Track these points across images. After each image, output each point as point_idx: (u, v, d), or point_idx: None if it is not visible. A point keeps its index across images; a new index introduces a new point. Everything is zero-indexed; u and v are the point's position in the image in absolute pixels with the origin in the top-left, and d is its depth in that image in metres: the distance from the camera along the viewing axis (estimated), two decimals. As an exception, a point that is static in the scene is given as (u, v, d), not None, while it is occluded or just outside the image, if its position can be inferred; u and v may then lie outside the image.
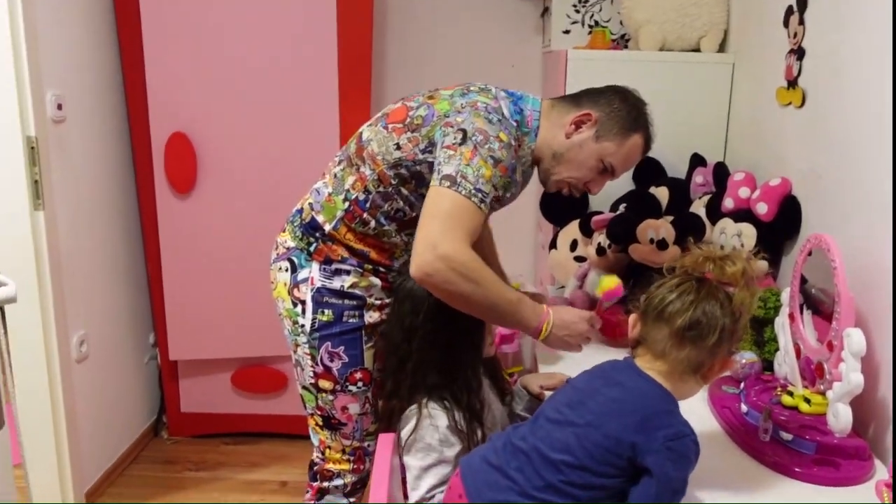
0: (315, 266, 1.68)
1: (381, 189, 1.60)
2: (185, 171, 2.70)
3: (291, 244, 1.72)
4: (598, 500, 1.17)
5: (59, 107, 2.38)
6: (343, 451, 1.77)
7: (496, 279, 1.47)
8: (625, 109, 1.63)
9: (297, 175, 2.68)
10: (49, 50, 2.31)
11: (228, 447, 3.00)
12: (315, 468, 1.81)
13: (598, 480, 1.16)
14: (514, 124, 1.57)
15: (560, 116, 1.64)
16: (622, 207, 2.29)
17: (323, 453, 1.79)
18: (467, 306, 1.47)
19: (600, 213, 2.31)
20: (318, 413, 1.75)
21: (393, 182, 1.59)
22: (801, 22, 1.91)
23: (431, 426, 1.47)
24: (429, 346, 1.51)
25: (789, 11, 1.98)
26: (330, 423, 1.75)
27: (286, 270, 1.72)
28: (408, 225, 1.63)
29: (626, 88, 1.68)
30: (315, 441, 1.80)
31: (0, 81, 2.17)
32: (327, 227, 1.66)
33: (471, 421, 1.50)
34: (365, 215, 1.63)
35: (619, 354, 1.37)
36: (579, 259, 2.36)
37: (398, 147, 1.57)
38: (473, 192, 1.44)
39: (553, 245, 2.48)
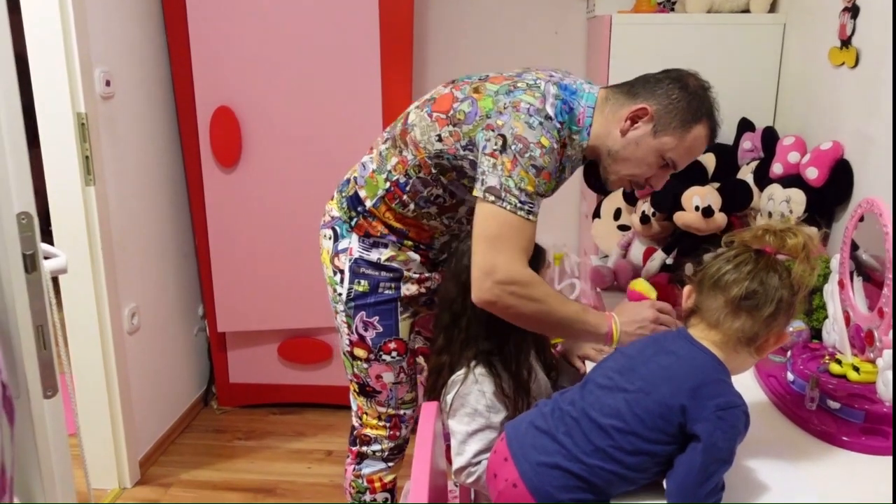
0: (355, 237, 1.71)
1: (421, 175, 1.60)
2: (231, 144, 2.74)
3: (336, 213, 1.76)
4: (646, 466, 1.17)
5: (108, 83, 2.43)
6: (379, 418, 1.81)
7: (557, 295, 1.48)
8: (685, 100, 1.51)
9: (340, 148, 2.72)
10: (97, 27, 2.35)
11: (275, 417, 3.07)
12: (354, 433, 1.86)
13: (648, 446, 1.16)
14: (559, 125, 1.48)
15: (614, 111, 1.54)
16: (667, 175, 2.24)
17: (360, 419, 1.84)
18: (533, 325, 1.48)
19: (644, 181, 2.27)
20: (355, 380, 1.79)
21: (433, 171, 1.59)
22: (855, -22, 1.83)
23: (479, 391, 1.47)
24: None
25: (843, -33, 1.90)
26: (365, 391, 1.79)
27: (329, 238, 1.76)
28: (447, 210, 1.64)
29: (686, 73, 1.56)
30: (354, 406, 1.84)
31: (50, 59, 2.22)
32: (368, 204, 1.68)
33: (517, 389, 1.50)
34: (405, 197, 1.64)
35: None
36: (623, 228, 2.33)
37: (440, 139, 1.55)
38: (519, 205, 1.43)
39: (596, 214, 2.46)
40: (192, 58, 2.67)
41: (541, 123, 1.46)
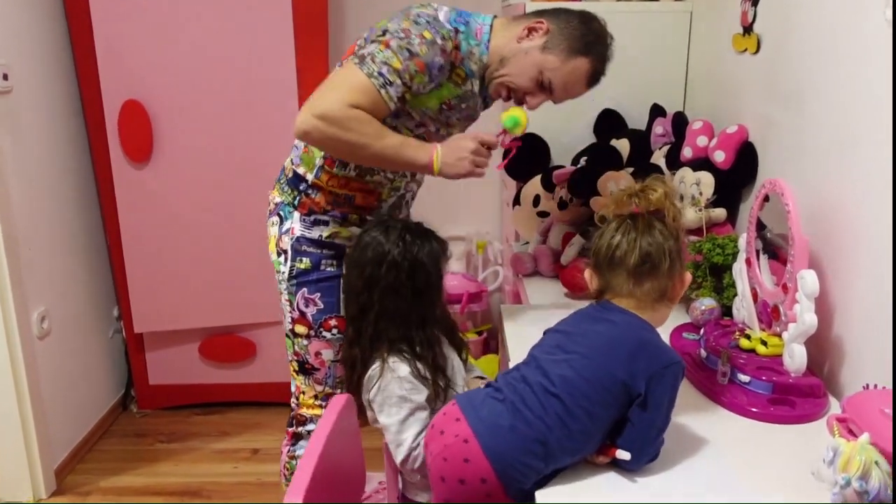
0: (297, 216, 1.74)
1: None
2: (141, 139, 2.64)
3: (279, 199, 1.78)
4: (591, 432, 1.21)
5: (5, 77, 2.31)
6: (315, 397, 1.84)
7: (380, 129, 1.54)
8: (580, 31, 1.60)
9: (254, 140, 2.67)
10: (-11, 18, 2.23)
11: (199, 417, 3.00)
12: (291, 414, 1.88)
13: (596, 410, 1.20)
14: (451, 29, 1.57)
15: (516, 26, 1.63)
16: (583, 161, 2.29)
17: (298, 399, 1.86)
18: (354, 156, 1.60)
19: (561, 167, 2.31)
20: (295, 358, 1.83)
21: None
22: (755, -34, 1.90)
23: (395, 379, 1.47)
24: (390, 298, 1.51)
25: (743, -44, 1.97)
26: (304, 368, 1.82)
27: (275, 225, 1.79)
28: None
29: (597, 16, 1.64)
30: (293, 387, 1.87)
31: (-61, 52, 2.10)
32: (310, 178, 1.71)
33: (434, 371, 1.50)
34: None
35: (584, 306, 1.39)
36: (542, 214, 2.36)
37: None
38: (376, 74, 1.50)
39: (517, 201, 2.48)
40: (97, 49, 2.57)
41: (427, 22, 1.55)
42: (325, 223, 1.73)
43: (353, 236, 1.70)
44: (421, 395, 1.47)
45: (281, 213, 1.76)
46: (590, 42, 1.60)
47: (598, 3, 2.49)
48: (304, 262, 1.74)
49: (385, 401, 1.48)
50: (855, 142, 1.44)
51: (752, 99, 1.95)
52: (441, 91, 1.62)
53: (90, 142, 2.74)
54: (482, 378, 1.71)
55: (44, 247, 2.53)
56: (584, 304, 1.39)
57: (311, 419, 1.84)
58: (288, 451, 1.89)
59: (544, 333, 1.41)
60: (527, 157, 2.43)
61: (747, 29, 1.96)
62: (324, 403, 1.82)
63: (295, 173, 1.74)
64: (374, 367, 1.50)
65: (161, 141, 2.66)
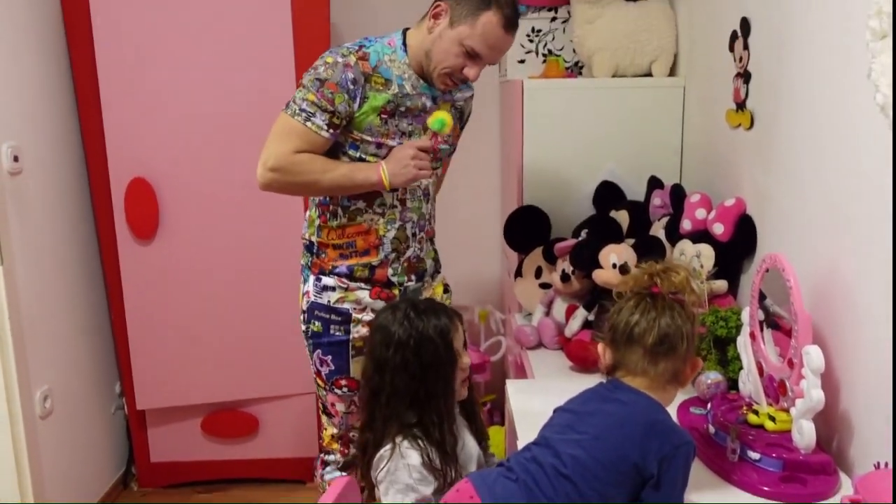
0: (311, 280, 1.93)
1: None
2: (147, 216, 2.68)
3: (301, 262, 2.00)
4: None
5: (16, 158, 2.36)
6: (332, 437, 2.05)
7: (325, 163, 1.77)
8: None
9: (258, 218, 2.71)
10: (4, 101, 2.29)
11: (201, 495, 2.95)
12: (320, 441, 2.13)
13: (608, 490, 1.21)
14: (351, 47, 1.79)
15: (423, 23, 1.81)
16: (584, 233, 2.31)
17: (321, 434, 2.12)
18: (313, 192, 1.86)
19: (563, 239, 2.34)
20: (320, 400, 2.05)
21: None
22: (746, 47, 1.96)
23: (406, 466, 1.47)
24: (400, 378, 1.52)
25: (734, 36, 2.03)
26: (326, 410, 2.05)
27: (301, 283, 1.99)
28: (370, 196, 1.85)
29: None
30: (324, 419, 2.09)
31: (-48, 137, 2.15)
32: (314, 238, 1.92)
33: (444, 458, 1.50)
34: (331, 208, 1.87)
35: (593, 380, 1.39)
36: (544, 286, 2.38)
37: None
38: (298, 111, 1.74)
39: (518, 273, 2.50)
40: (105, 129, 2.62)
41: (329, 52, 1.79)
42: (333, 288, 1.89)
43: (359, 300, 1.87)
44: (428, 487, 1.47)
45: (303, 275, 1.97)
46: None
47: (593, 79, 2.57)
48: (316, 326, 1.91)
49: (391, 485, 1.47)
50: (850, 215, 1.47)
51: (749, 172, 1.99)
52: (370, 102, 1.78)
53: (96, 219, 2.78)
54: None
55: (48, 325, 2.53)
56: (590, 377, 1.40)
57: (331, 452, 2.06)
58: (319, 474, 2.09)
59: (554, 412, 1.41)
60: (528, 228, 2.47)
61: (740, 105, 2.01)
62: (340, 442, 2.04)
63: (306, 239, 1.95)
64: (386, 449, 1.50)
65: (166, 218, 2.69)
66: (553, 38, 2.79)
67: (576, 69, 2.79)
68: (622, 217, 2.37)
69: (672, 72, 2.58)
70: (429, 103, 1.86)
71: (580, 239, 2.27)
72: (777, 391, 1.52)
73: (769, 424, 1.48)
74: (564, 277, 2.21)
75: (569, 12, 2.66)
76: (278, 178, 1.77)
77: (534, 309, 2.40)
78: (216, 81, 2.62)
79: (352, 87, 1.74)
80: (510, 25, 1.77)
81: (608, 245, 2.11)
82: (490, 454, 1.72)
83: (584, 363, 2.02)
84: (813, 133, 1.62)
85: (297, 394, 2.89)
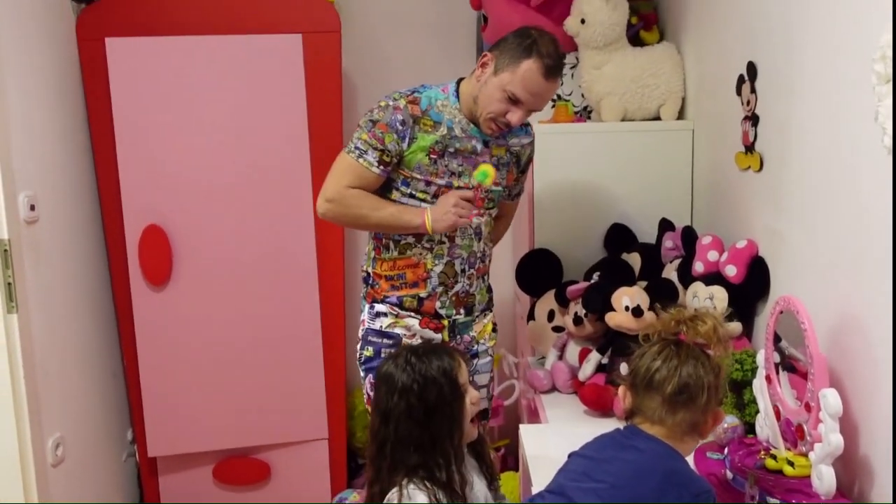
0: (367, 308, 2.05)
1: None
2: (161, 263, 2.70)
3: (362, 293, 2.11)
4: None
5: (32, 207, 2.38)
6: None
7: (376, 202, 1.93)
8: (515, 42, 1.87)
9: (273, 262, 2.72)
10: (21, 152, 2.33)
11: (213, 543, 2.92)
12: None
13: None
14: (405, 92, 1.95)
15: (475, 72, 1.95)
16: (596, 276, 2.31)
17: None
18: (362, 226, 2.05)
19: (575, 282, 2.34)
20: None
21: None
22: (753, 90, 1.98)
23: None
24: (404, 425, 1.50)
25: (741, 80, 2.06)
26: None
27: (360, 314, 2.10)
28: (420, 233, 1.95)
29: (530, 26, 1.92)
30: None
31: (-29, 188, 2.18)
32: (370, 269, 2.07)
33: (452, 497, 1.48)
34: (384, 241, 2.01)
35: (607, 424, 1.38)
36: (557, 329, 2.37)
37: None
38: (353, 149, 1.92)
39: (531, 316, 2.50)
40: (120, 177, 2.66)
41: (385, 97, 1.95)
42: (385, 314, 2.01)
43: (409, 327, 2.00)
44: None
45: (360, 305, 2.09)
46: (527, 46, 1.85)
47: (602, 123, 2.59)
48: (369, 351, 2.01)
49: None
50: (861, 255, 1.46)
51: (759, 214, 2.00)
52: (419, 142, 1.92)
53: (110, 266, 2.80)
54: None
55: (62, 373, 2.53)
56: (605, 422, 1.38)
57: None
58: None
59: (569, 456, 1.39)
60: (540, 271, 2.48)
61: (749, 148, 2.03)
62: None
63: (364, 271, 2.09)
64: (392, 494, 1.48)
65: (180, 264, 2.71)
66: (562, 84, 2.83)
67: (584, 114, 2.81)
68: (634, 259, 2.37)
69: (680, 115, 2.60)
70: (479, 146, 1.98)
71: (592, 282, 2.27)
72: (795, 435, 1.50)
73: (788, 469, 1.45)
74: (577, 320, 2.21)
75: (577, 58, 2.70)
76: (332, 209, 1.94)
77: (547, 352, 2.39)
78: (229, 130, 2.66)
79: (400, 127, 1.90)
80: (550, 73, 1.86)
81: (620, 288, 2.11)
82: (500, 495, 1.69)
83: (598, 407, 2.01)
84: (822, 175, 1.63)
85: (309, 440, 2.87)
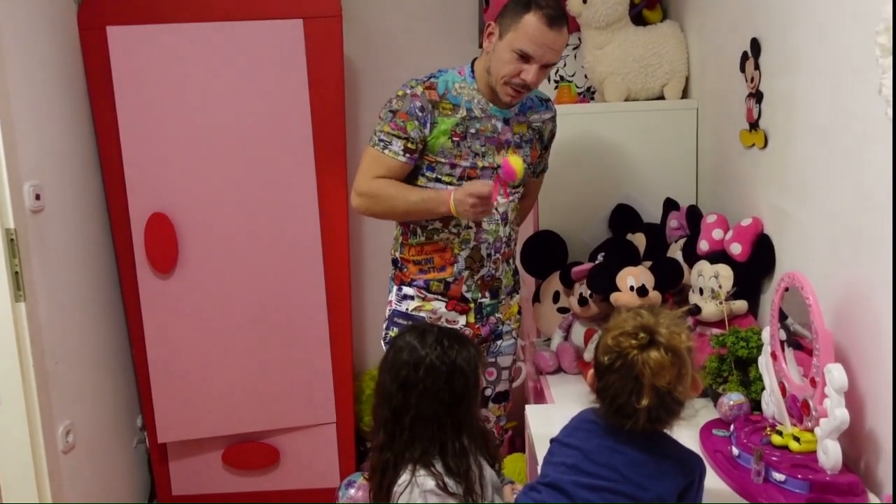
0: (394, 290, 2.09)
1: None
2: (167, 250, 2.71)
3: (389, 276, 2.14)
4: None
5: (38, 197, 2.39)
6: None
7: (401, 189, 1.95)
8: (513, 3, 1.88)
9: (278, 248, 2.73)
10: (26, 141, 2.34)
11: (223, 528, 2.94)
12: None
13: None
14: (420, 79, 1.97)
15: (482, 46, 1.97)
16: (600, 256, 2.31)
17: None
18: (394, 216, 2.04)
19: (580, 263, 2.33)
20: None
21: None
22: (757, 67, 1.97)
23: (421, 493, 1.45)
24: (429, 403, 1.47)
25: (744, 57, 2.04)
26: None
27: (387, 294, 2.13)
28: (448, 218, 1.97)
29: None
30: None
31: (-24, 177, 2.19)
32: (398, 254, 2.09)
33: (465, 486, 1.48)
34: (412, 226, 2.03)
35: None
36: (563, 310, 2.37)
37: None
38: (377, 141, 1.95)
39: (536, 298, 2.50)
40: (125, 165, 2.67)
41: (402, 86, 1.97)
42: (412, 297, 2.04)
43: (435, 310, 2.02)
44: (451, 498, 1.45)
45: (388, 287, 2.12)
46: (525, 2, 1.85)
47: (605, 104, 2.58)
48: (394, 332, 2.03)
49: None
50: (866, 231, 1.46)
51: (764, 191, 1.99)
52: (440, 126, 1.94)
53: (117, 254, 2.81)
54: (511, 483, 1.68)
55: (71, 361, 2.55)
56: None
57: None
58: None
59: (551, 442, 1.39)
60: (545, 253, 2.48)
61: (753, 125, 2.01)
62: None
63: (392, 255, 2.12)
64: (403, 480, 1.47)
65: (186, 251, 2.72)
66: (564, 65, 2.81)
67: (588, 94, 2.80)
68: (639, 240, 2.37)
69: (684, 94, 2.59)
70: (500, 125, 1.99)
71: (597, 262, 2.27)
72: (801, 411, 1.50)
73: (794, 445, 1.46)
74: (582, 301, 2.21)
75: (579, 38, 2.68)
76: (365, 202, 1.98)
77: (552, 334, 2.39)
78: (232, 116, 2.66)
79: (420, 113, 1.92)
80: (553, 22, 1.85)
81: (625, 268, 2.11)
82: (502, 475, 1.70)
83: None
84: (827, 150, 1.62)
85: (317, 424, 2.89)
